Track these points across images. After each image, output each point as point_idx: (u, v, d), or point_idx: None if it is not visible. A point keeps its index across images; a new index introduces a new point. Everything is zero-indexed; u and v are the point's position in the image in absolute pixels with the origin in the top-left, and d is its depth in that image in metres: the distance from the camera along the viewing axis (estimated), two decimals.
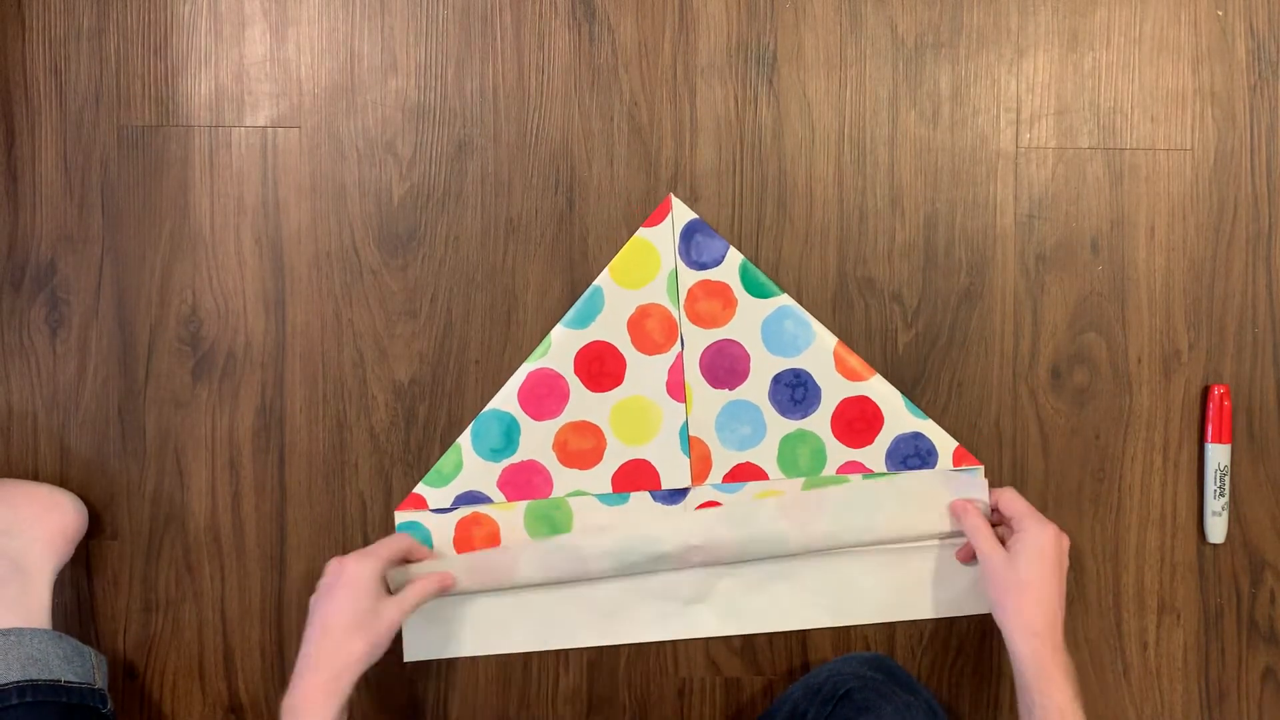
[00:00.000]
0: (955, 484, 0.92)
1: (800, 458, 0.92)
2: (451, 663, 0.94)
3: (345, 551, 0.93)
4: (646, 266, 0.91)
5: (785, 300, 0.92)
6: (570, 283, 0.93)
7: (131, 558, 0.93)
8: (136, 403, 0.92)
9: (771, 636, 0.94)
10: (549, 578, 0.91)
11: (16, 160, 0.91)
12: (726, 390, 0.92)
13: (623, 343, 0.92)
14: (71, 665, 0.83)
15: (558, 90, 0.93)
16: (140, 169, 0.92)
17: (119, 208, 0.92)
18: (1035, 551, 0.84)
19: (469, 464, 0.92)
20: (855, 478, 0.92)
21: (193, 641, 0.93)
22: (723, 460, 0.92)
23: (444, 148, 0.93)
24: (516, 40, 0.93)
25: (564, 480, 0.92)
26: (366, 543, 0.93)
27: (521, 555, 0.91)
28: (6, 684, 0.79)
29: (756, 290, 0.92)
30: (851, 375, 0.92)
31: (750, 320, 0.92)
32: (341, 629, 0.81)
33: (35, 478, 0.92)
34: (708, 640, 0.94)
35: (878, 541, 0.92)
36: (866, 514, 0.91)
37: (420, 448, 0.93)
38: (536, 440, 0.92)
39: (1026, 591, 0.83)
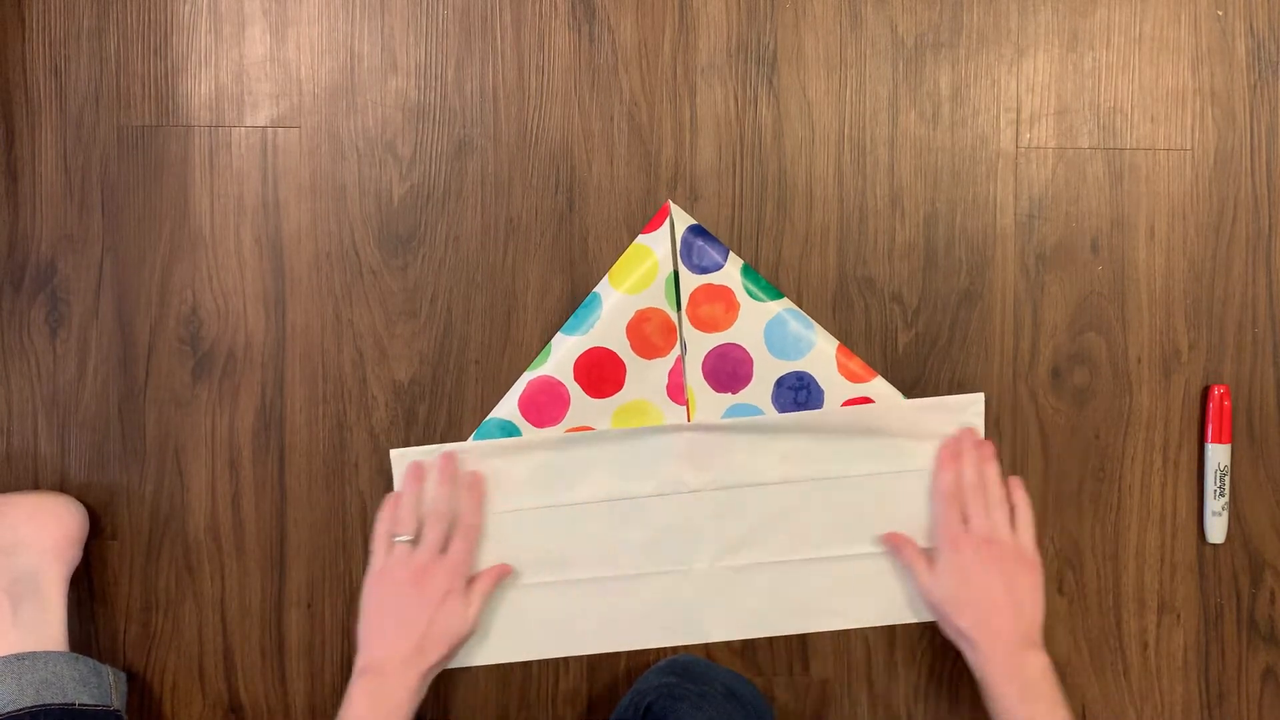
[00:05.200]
0: (954, 411, 0.92)
1: None
2: None
3: (345, 551, 0.93)
4: (645, 272, 0.91)
5: (787, 304, 0.92)
6: (570, 283, 0.93)
7: (131, 558, 0.93)
8: (136, 403, 0.92)
9: (771, 637, 0.94)
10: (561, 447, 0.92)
11: (16, 160, 0.91)
12: (729, 394, 0.92)
13: (622, 348, 0.91)
14: (87, 687, 0.83)
15: (558, 90, 0.93)
16: (140, 169, 0.92)
17: (119, 208, 0.92)
18: (948, 574, 0.87)
19: None
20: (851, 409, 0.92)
21: (193, 641, 0.93)
22: None
23: (444, 148, 0.93)
24: (516, 40, 0.93)
25: None
26: (367, 543, 0.93)
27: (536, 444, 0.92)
28: (19, 710, 0.79)
29: (758, 293, 0.92)
30: (853, 377, 0.92)
31: (753, 324, 0.91)
32: (434, 637, 0.84)
33: (35, 478, 0.92)
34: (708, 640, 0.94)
35: (869, 456, 0.92)
36: (862, 436, 0.92)
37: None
38: None
39: (951, 609, 0.86)
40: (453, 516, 0.89)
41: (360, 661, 0.84)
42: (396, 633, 0.83)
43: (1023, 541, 0.88)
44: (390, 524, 0.89)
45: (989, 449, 0.91)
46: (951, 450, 0.91)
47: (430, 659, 0.83)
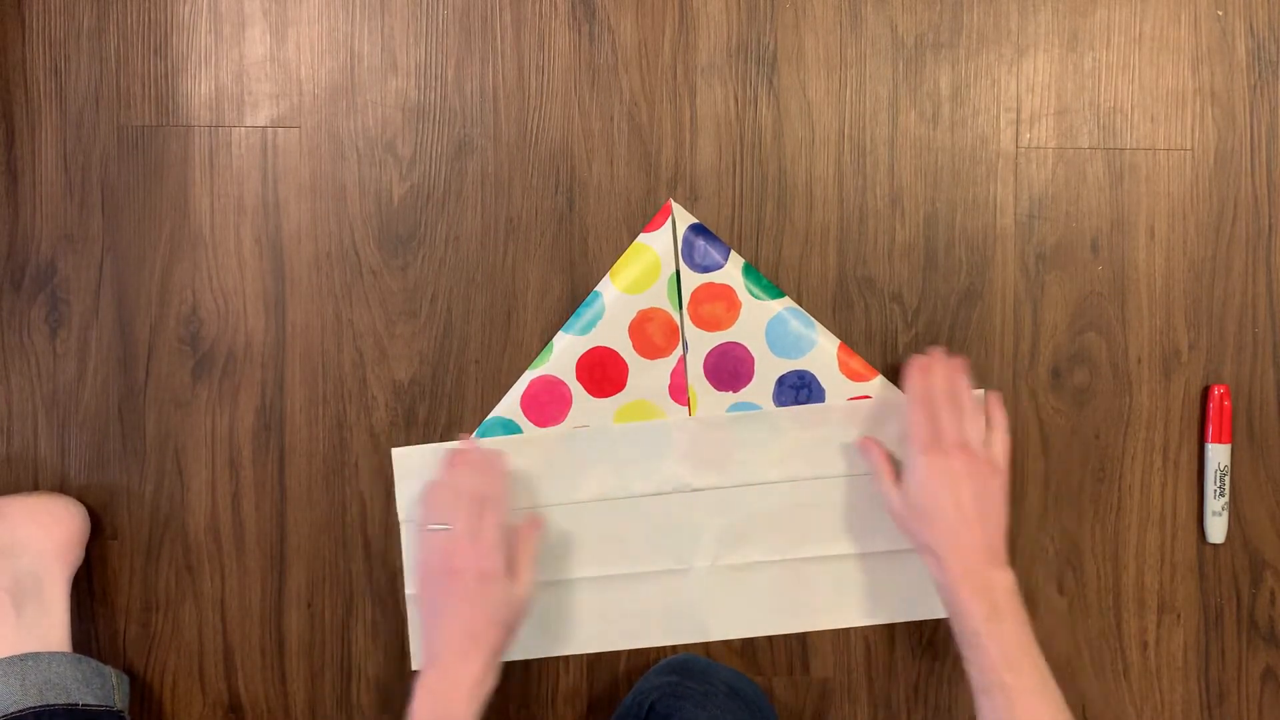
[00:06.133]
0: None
1: None
2: None
3: (345, 551, 0.93)
4: (647, 271, 0.91)
5: (788, 302, 0.92)
6: (570, 283, 0.93)
7: (131, 558, 0.93)
8: (136, 403, 0.92)
9: (771, 637, 0.94)
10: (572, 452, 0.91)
11: (16, 160, 0.91)
12: (730, 392, 0.92)
13: (624, 348, 0.91)
14: (90, 688, 0.83)
15: (558, 90, 0.93)
16: (140, 169, 0.92)
17: (119, 208, 0.92)
18: (917, 480, 0.84)
19: None
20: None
21: (193, 641, 0.93)
22: None
23: (444, 148, 0.93)
24: (516, 40, 0.93)
25: None
26: (367, 543, 0.93)
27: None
28: (23, 710, 0.79)
29: (759, 292, 0.92)
30: (855, 376, 0.92)
31: (754, 322, 0.91)
32: (481, 621, 0.80)
33: (35, 478, 0.92)
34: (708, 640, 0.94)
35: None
36: (863, 435, 0.92)
37: None
38: None
39: (917, 519, 0.84)
40: (478, 495, 0.84)
41: (421, 661, 0.82)
42: (444, 624, 0.79)
43: (995, 452, 0.86)
44: (424, 515, 0.85)
45: (960, 363, 0.89)
46: (922, 364, 0.89)
47: (487, 644, 0.79)
